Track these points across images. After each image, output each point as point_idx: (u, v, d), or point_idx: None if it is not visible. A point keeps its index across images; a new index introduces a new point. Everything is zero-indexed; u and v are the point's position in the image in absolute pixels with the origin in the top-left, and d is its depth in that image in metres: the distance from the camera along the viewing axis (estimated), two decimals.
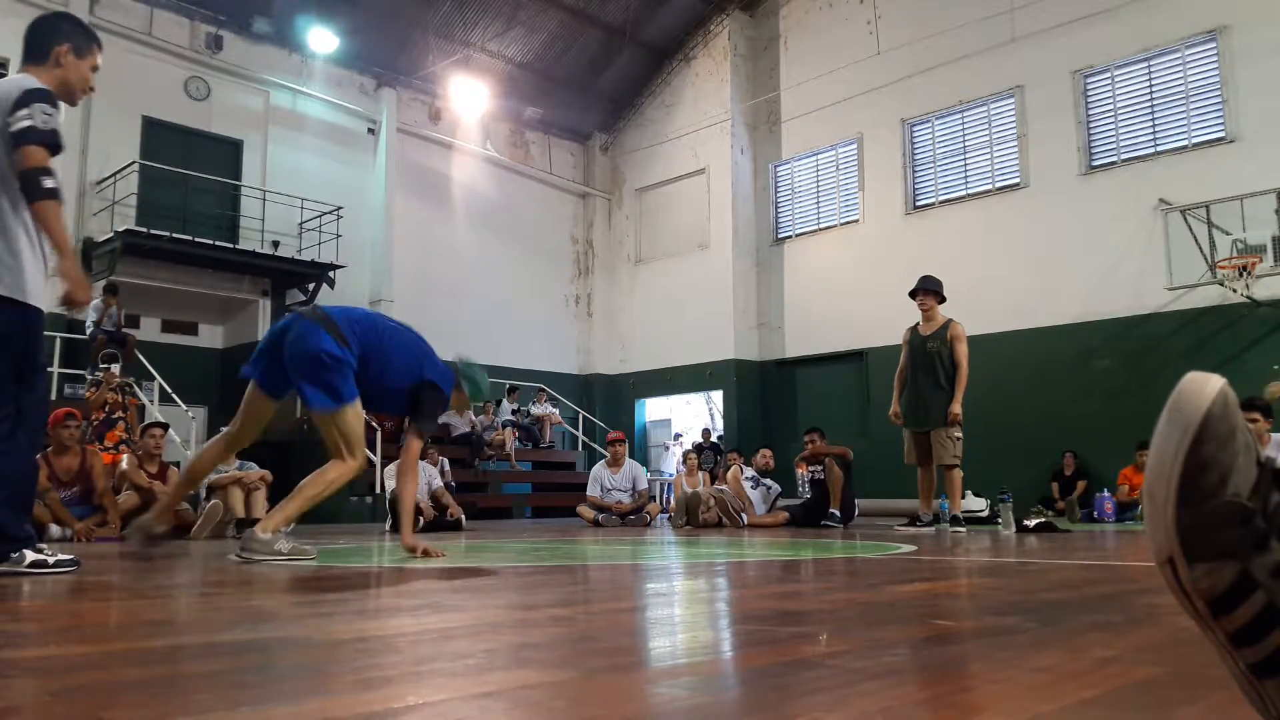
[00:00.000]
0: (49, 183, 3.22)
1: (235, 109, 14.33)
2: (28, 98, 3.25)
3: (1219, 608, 0.74)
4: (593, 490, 9.88)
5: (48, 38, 3.48)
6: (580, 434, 16.89)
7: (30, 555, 3.27)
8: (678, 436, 18.38)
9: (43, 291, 3.33)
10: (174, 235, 12.53)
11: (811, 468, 9.05)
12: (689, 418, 19.29)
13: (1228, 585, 0.74)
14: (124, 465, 7.39)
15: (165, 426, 8.01)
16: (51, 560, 3.31)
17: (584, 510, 9.81)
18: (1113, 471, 10.70)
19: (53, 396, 11.67)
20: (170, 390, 11.55)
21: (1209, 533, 0.73)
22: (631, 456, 10.88)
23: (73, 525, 6.49)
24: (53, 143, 3.26)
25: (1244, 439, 0.74)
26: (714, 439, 15.26)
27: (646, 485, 10.31)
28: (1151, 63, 12.20)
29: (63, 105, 3.46)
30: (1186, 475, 0.73)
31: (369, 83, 15.85)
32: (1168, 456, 0.74)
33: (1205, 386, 0.74)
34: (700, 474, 10.38)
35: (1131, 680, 1.26)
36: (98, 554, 4.90)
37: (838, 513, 8.53)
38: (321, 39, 14.80)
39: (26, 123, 3.20)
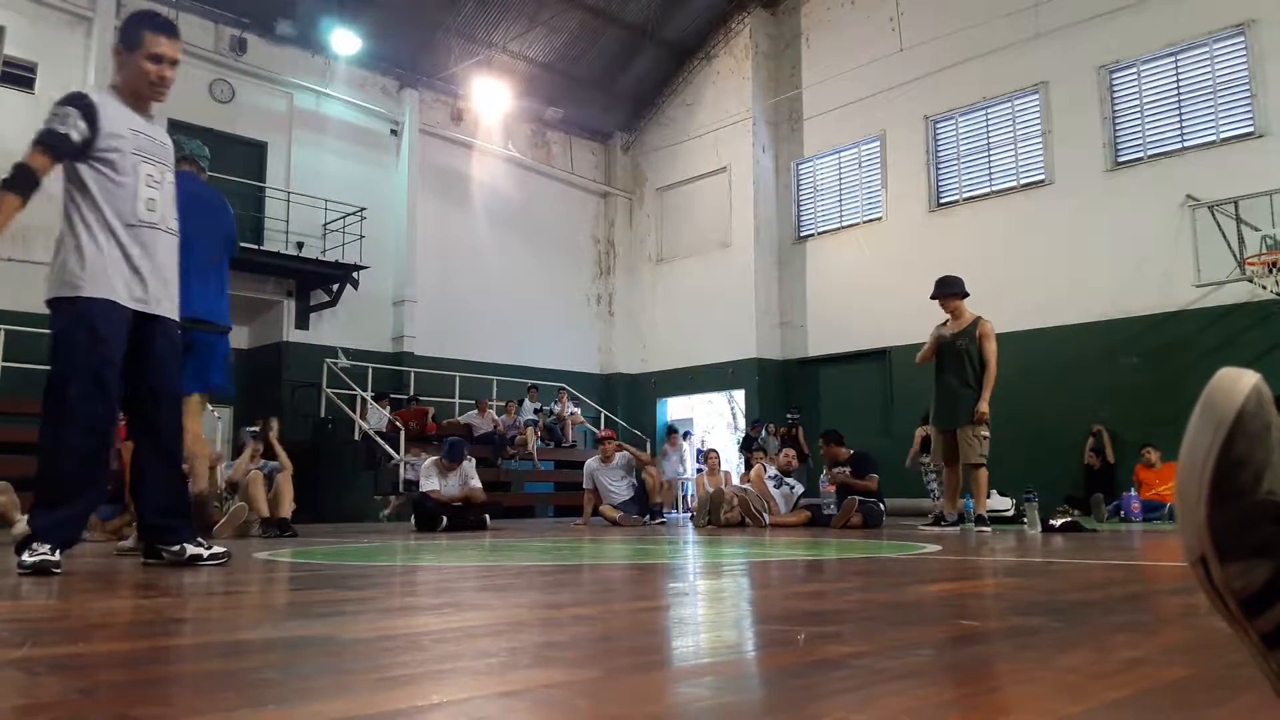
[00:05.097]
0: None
1: (259, 111, 14.44)
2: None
3: (1252, 608, 0.73)
4: (588, 484, 10.09)
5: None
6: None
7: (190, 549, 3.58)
8: (676, 431, 18.10)
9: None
10: None
11: (836, 469, 9.02)
12: (711, 416, 19.17)
13: (1261, 585, 0.72)
14: None
15: None
16: (206, 554, 3.57)
17: (606, 510, 9.87)
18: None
19: None
20: None
21: (1242, 532, 0.72)
22: (654, 455, 10.88)
23: (89, 529, 6.53)
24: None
25: (1279, 436, 0.73)
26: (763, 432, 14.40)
27: (631, 458, 10.29)
28: (1178, 58, 12.05)
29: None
30: (1219, 473, 0.72)
31: (391, 84, 15.94)
32: (1200, 454, 0.73)
33: (1238, 383, 0.73)
34: (722, 473, 10.38)
35: (1160, 681, 1.24)
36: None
37: None
38: (344, 41, 14.90)
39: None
